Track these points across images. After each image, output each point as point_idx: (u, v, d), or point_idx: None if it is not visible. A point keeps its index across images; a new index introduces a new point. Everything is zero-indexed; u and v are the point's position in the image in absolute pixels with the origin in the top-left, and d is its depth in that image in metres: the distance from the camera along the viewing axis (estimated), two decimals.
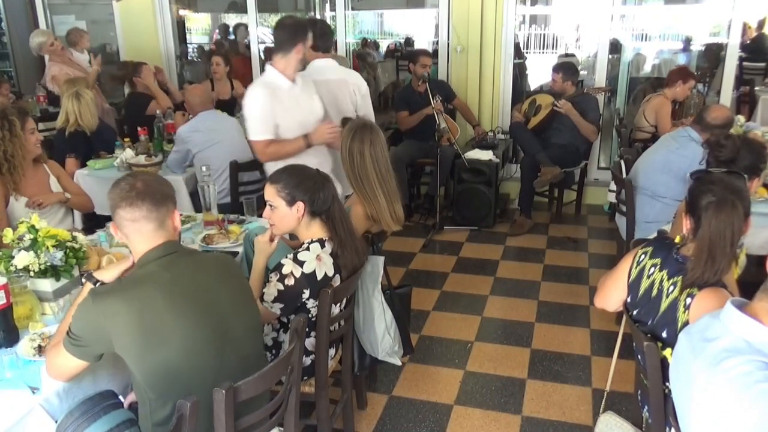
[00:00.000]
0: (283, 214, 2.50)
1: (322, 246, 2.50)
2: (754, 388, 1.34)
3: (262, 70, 7.24)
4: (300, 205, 2.48)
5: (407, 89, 6.14)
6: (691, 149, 3.67)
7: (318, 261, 2.45)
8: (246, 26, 7.65)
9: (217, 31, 10.07)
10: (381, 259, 2.89)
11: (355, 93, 4.16)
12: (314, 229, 2.53)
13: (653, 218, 3.75)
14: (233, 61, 6.85)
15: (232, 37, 9.21)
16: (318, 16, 10.41)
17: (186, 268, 1.98)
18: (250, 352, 2.08)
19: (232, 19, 9.92)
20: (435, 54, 6.09)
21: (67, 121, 4.58)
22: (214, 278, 2.03)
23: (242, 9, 10.10)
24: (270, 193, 2.51)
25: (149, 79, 5.82)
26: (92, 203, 3.86)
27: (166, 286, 1.88)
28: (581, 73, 7.20)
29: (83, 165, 4.67)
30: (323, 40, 4.06)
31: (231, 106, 6.16)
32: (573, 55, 9.35)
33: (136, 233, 1.95)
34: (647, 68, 8.88)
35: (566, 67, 5.78)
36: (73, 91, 4.60)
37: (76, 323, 1.87)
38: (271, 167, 4.07)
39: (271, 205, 2.52)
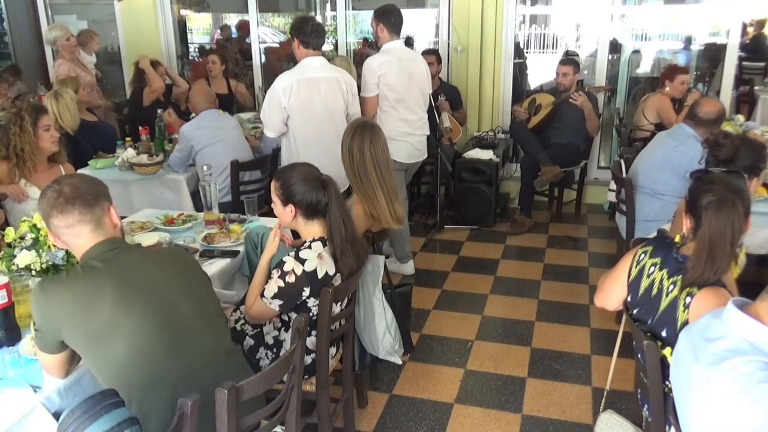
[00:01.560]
0: (279, 211, 2.58)
1: (324, 245, 2.51)
2: (756, 388, 1.35)
3: (264, 69, 7.32)
4: (291, 207, 2.53)
5: None
6: (691, 146, 3.68)
7: (319, 259, 2.46)
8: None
9: (218, 30, 10.07)
10: (382, 258, 2.90)
11: (347, 92, 4.20)
12: (314, 229, 2.55)
13: (654, 216, 3.76)
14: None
15: (234, 35, 9.22)
16: (319, 16, 10.42)
17: (131, 262, 1.98)
18: (213, 344, 2.06)
19: (233, 19, 9.92)
20: (436, 53, 6.07)
21: None
22: (163, 270, 2.03)
23: (206, 8, 10.15)
24: (272, 188, 2.59)
25: (145, 62, 5.87)
26: None
27: (111, 279, 1.89)
28: (582, 72, 7.20)
29: (75, 167, 4.64)
30: (315, 37, 4.10)
31: (229, 103, 6.18)
32: (576, 54, 9.36)
33: (75, 238, 1.95)
34: (647, 68, 8.88)
35: (575, 61, 5.85)
36: (52, 91, 4.60)
37: (34, 313, 1.91)
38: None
39: (272, 200, 2.60)
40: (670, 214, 3.45)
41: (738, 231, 2.01)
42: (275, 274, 2.45)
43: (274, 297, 2.45)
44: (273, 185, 2.58)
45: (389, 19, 4.48)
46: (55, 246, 2.41)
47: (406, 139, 4.54)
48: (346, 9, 7.07)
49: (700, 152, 3.38)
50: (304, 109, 4.06)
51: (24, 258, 2.37)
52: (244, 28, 8.63)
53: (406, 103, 4.54)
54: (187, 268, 2.13)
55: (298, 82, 4.03)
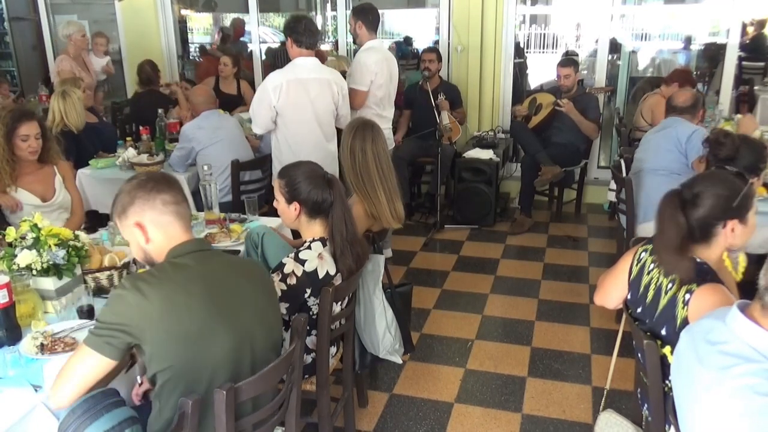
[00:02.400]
0: (282, 209, 2.58)
1: (324, 244, 2.51)
2: (757, 400, 1.35)
3: (264, 69, 7.33)
4: (296, 205, 2.52)
5: (413, 88, 6.16)
6: (686, 125, 3.88)
7: (320, 259, 2.46)
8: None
9: (219, 30, 10.06)
10: (382, 258, 2.90)
11: (338, 93, 4.21)
12: (316, 228, 2.55)
13: None
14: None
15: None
16: (319, 16, 10.42)
17: (220, 268, 1.93)
18: (263, 365, 2.04)
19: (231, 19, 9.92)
20: (437, 51, 6.08)
21: (53, 119, 4.56)
22: (247, 283, 1.98)
23: (214, 8, 10.14)
24: (275, 186, 2.59)
25: (176, 89, 5.92)
26: (83, 215, 3.85)
27: (202, 282, 1.84)
28: (582, 72, 7.22)
29: (76, 165, 4.65)
30: (308, 36, 4.09)
31: (236, 103, 6.18)
32: (576, 54, 9.37)
33: (180, 219, 1.91)
34: (647, 67, 8.89)
35: (575, 62, 5.86)
36: (60, 90, 4.60)
37: (110, 310, 1.77)
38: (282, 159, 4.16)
39: (276, 198, 2.60)
40: None
41: (670, 228, 2.05)
42: (276, 277, 2.43)
43: (280, 300, 2.43)
44: (277, 183, 2.58)
45: (368, 17, 4.54)
46: (56, 245, 2.42)
47: None
48: (346, 9, 7.06)
49: (699, 131, 3.64)
50: (293, 109, 4.08)
51: (25, 257, 2.37)
52: (236, 31, 8.65)
53: (384, 101, 4.67)
54: (264, 287, 2.07)
55: (288, 82, 4.03)
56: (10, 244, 2.47)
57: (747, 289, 1.76)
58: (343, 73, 4.64)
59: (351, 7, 7.34)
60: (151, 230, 1.90)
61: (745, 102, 7.21)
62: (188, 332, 1.77)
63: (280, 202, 2.57)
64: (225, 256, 2.06)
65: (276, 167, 4.27)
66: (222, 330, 1.82)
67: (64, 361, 2.03)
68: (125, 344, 1.78)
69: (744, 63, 7.62)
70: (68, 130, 4.55)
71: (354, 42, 4.80)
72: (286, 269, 2.42)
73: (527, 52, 8.53)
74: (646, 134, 4.27)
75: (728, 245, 2.07)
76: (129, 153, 4.66)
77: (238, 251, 3.09)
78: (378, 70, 4.51)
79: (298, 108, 4.07)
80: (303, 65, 4.10)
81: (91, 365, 1.78)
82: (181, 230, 1.92)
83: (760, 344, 1.42)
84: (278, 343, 2.10)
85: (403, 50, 9.23)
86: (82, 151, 4.71)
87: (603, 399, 2.61)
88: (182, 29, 8.34)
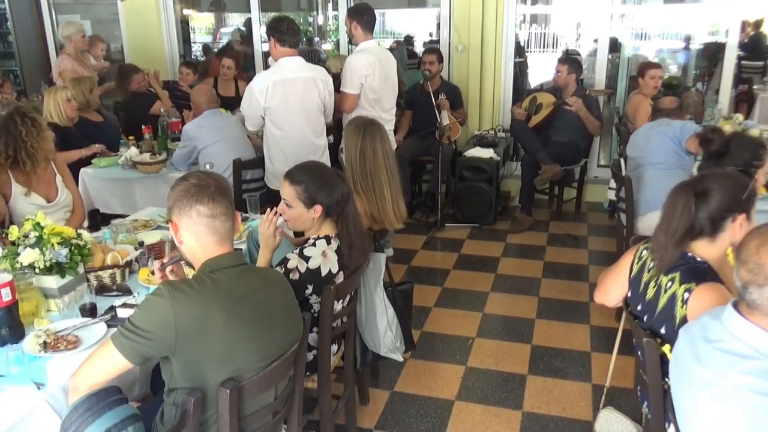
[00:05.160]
0: (299, 214, 2.51)
1: (328, 243, 2.52)
2: (757, 399, 1.36)
3: (266, 67, 7.35)
4: (318, 208, 2.48)
5: (414, 88, 6.17)
6: (675, 121, 3.93)
7: (323, 257, 2.47)
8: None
9: (220, 32, 10.08)
10: (383, 256, 2.91)
11: (324, 89, 4.24)
12: (324, 228, 2.55)
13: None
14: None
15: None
16: (321, 16, 10.43)
17: (255, 285, 1.93)
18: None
19: (235, 19, 9.94)
20: (437, 52, 6.08)
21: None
22: (277, 296, 1.99)
23: (223, 7, 10.16)
24: (289, 193, 2.50)
25: (153, 80, 5.85)
26: (84, 212, 3.86)
27: (239, 300, 1.85)
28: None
29: (76, 164, 4.63)
30: (291, 35, 4.10)
31: (233, 105, 6.18)
32: (577, 53, 9.37)
33: (213, 233, 1.88)
34: None
35: (572, 61, 5.84)
36: (54, 87, 4.64)
37: (142, 315, 1.78)
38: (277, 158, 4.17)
39: (288, 205, 2.52)
40: None
41: (681, 219, 2.06)
42: (279, 271, 2.45)
43: None
44: (293, 189, 2.49)
45: (363, 17, 4.52)
46: (59, 244, 2.44)
47: None
48: (347, 9, 7.07)
49: (689, 122, 3.74)
50: (281, 109, 4.10)
51: (28, 256, 2.39)
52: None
53: (381, 103, 4.61)
54: (287, 291, 2.09)
55: (274, 84, 4.05)
56: (13, 243, 2.48)
57: None
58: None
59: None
60: (184, 234, 1.91)
61: (744, 101, 7.23)
62: (219, 353, 1.78)
63: (296, 207, 2.49)
64: (259, 274, 2.04)
65: (267, 165, 4.32)
66: (254, 348, 1.85)
67: (66, 360, 2.07)
68: (149, 351, 1.80)
69: (743, 62, 7.64)
70: (55, 122, 4.49)
71: (350, 42, 4.74)
72: (290, 265, 2.43)
73: (528, 52, 8.54)
74: (633, 135, 4.29)
75: (734, 241, 2.06)
76: (131, 152, 4.66)
77: (240, 249, 3.10)
78: (369, 72, 4.44)
79: (286, 108, 4.10)
80: (287, 65, 4.11)
81: (112, 363, 1.82)
82: (213, 242, 1.90)
83: (755, 341, 1.43)
84: (297, 347, 2.10)
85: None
86: (68, 146, 4.64)
87: (603, 396, 2.62)
88: (184, 29, 8.35)
